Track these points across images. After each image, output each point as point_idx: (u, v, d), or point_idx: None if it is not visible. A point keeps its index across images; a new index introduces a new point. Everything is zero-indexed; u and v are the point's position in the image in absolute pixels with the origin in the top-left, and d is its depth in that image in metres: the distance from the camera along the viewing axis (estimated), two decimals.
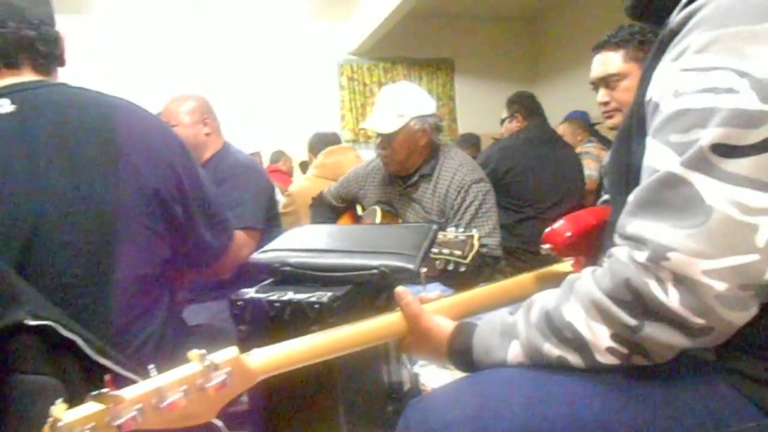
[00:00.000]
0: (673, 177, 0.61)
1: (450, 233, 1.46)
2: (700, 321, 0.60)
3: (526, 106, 2.92)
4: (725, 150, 0.59)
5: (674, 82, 0.65)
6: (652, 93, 0.69)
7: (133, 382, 0.66)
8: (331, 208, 2.26)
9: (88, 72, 5.16)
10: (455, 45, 6.52)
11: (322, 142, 3.06)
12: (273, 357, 0.75)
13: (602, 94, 1.62)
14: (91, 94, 1.06)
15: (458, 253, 1.41)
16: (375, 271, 1.12)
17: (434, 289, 1.82)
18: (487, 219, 1.83)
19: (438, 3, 5.47)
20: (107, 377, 0.87)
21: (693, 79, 0.63)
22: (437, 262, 1.44)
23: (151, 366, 0.66)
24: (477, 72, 6.61)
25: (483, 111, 6.13)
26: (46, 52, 1.05)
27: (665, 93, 0.66)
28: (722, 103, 0.60)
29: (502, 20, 6.62)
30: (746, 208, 0.58)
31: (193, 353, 0.67)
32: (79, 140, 0.98)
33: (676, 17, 0.69)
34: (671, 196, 0.62)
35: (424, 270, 1.13)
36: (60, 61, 1.10)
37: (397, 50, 6.22)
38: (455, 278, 1.43)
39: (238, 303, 1.11)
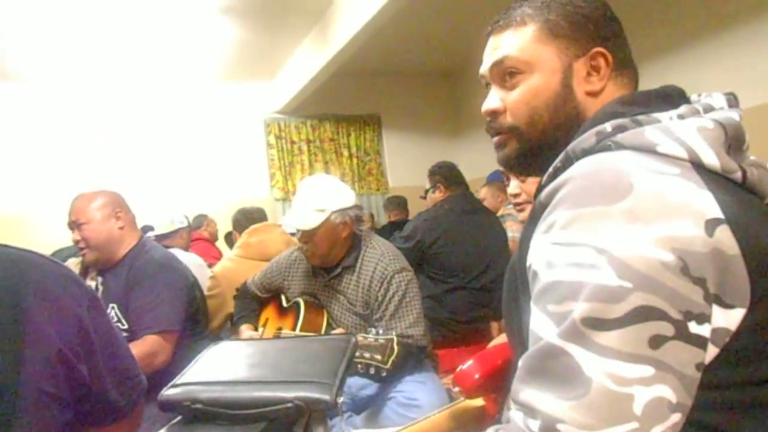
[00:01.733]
0: (553, 348, 0.63)
1: (370, 336, 1.46)
2: None
3: (446, 176, 2.95)
4: (594, 323, 0.61)
5: (547, 254, 0.67)
6: (531, 260, 0.71)
7: None
8: (255, 299, 2.20)
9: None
10: (381, 101, 6.67)
11: (246, 219, 2.93)
12: None
13: (513, 186, 1.66)
14: None
15: (378, 357, 1.41)
16: (290, 404, 1.07)
17: (359, 383, 1.82)
18: (411, 309, 1.83)
19: (363, 61, 5.58)
20: None
21: (561, 252, 0.65)
22: (359, 366, 1.43)
23: None
24: (403, 126, 6.77)
25: (411, 163, 6.27)
26: None
27: (541, 263, 0.68)
28: (588, 278, 0.62)
29: (424, 76, 6.83)
30: (620, 379, 0.60)
31: None
32: None
33: (544, 190, 0.72)
34: (554, 366, 0.63)
35: (341, 400, 1.11)
36: None
37: (324, 107, 6.28)
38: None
39: None
